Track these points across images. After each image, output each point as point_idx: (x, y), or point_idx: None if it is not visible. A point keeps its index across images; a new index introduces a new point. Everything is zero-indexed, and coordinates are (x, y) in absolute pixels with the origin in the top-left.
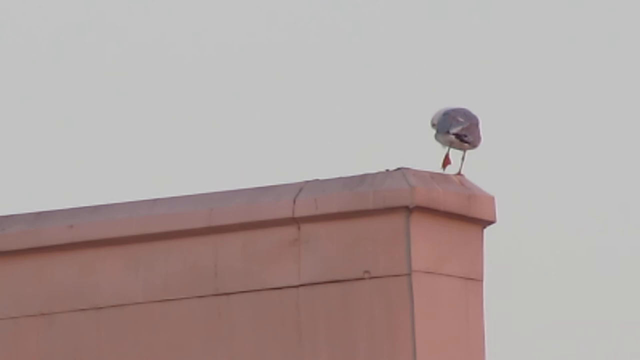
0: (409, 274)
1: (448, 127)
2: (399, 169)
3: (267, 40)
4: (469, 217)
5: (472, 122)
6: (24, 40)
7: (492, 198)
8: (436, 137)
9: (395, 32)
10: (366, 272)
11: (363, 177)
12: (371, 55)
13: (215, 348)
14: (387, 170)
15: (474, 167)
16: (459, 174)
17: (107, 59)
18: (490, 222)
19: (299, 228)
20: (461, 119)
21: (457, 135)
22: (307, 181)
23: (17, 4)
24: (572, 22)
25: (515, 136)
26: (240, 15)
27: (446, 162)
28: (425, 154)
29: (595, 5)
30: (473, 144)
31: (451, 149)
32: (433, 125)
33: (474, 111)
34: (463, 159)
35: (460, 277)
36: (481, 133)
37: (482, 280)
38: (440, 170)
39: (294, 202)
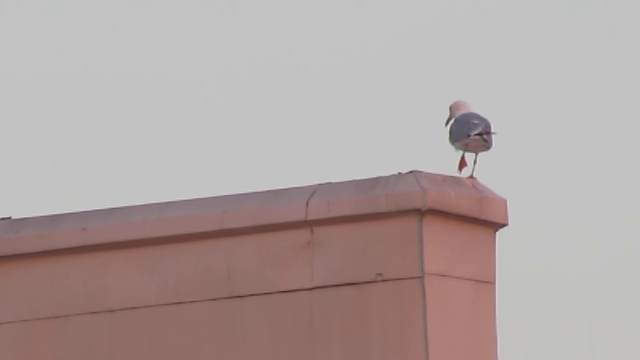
0: (422, 277)
1: (467, 131)
2: (411, 172)
3: (279, 42)
4: (481, 220)
5: (485, 123)
6: (26, 41)
7: (504, 201)
8: (452, 143)
9: (406, 35)
10: (379, 274)
11: (376, 180)
12: (384, 58)
13: (228, 351)
14: (400, 174)
15: (486, 170)
16: (471, 176)
17: (116, 61)
18: (503, 225)
19: (311, 231)
20: (476, 121)
21: (479, 134)
22: (320, 184)
23: (18, 4)
24: (585, 25)
25: (528, 139)
26: (251, 16)
27: (462, 164)
28: (438, 157)
29: (606, 5)
30: (489, 145)
31: (465, 152)
32: (450, 108)
33: (486, 113)
34: (475, 162)
35: (473, 280)
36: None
37: (494, 283)
38: (456, 173)
39: (307, 205)
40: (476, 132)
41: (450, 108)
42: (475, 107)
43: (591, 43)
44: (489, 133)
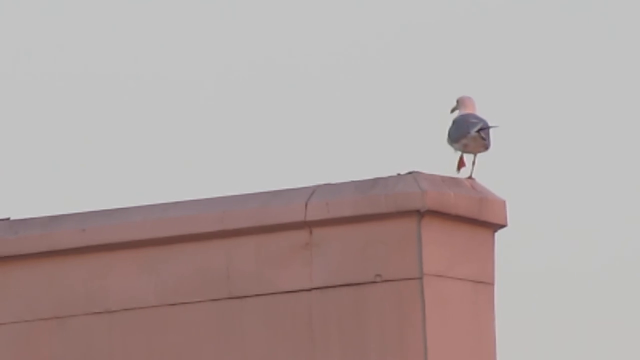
0: (421, 278)
1: (467, 129)
2: (410, 172)
3: (279, 42)
4: (480, 221)
5: (483, 123)
6: (26, 41)
7: (503, 202)
8: (451, 144)
9: (406, 35)
10: (378, 275)
11: (375, 181)
12: (384, 58)
13: (227, 351)
14: (399, 174)
15: (485, 170)
16: (470, 177)
17: (116, 61)
18: (502, 226)
19: (310, 232)
20: (474, 120)
21: (478, 131)
22: (319, 185)
23: (18, 4)
24: (585, 25)
25: (527, 140)
26: (251, 16)
27: (461, 164)
28: (437, 157)
29: (606, 5)
30: (488, 145)
31: (464, 153)
32: (457, 101)
33: (486, 114)
34: (474, 163)
35: (472, 281)
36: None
37: (493, 284)
38: (455, 173)
39: (306, 205)
40: (476, 129)
41: (457, 101)
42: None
43: (591, 43)
44: (488, 127)
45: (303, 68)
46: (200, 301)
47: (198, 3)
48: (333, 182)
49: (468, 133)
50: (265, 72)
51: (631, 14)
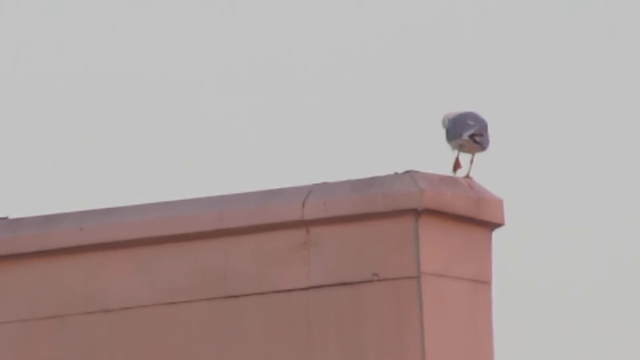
0: (418, 277)
1: (460, 131)
2: (407, 172)
3: (279, 42)
4: (478, 220)
5: (481, 125)
6: (26, 41)
7: (501, 201)
8: (447, 142)
9: (406, 35)
10: (375, 274)
11: (372, 180)
12: (383, 58)
13: (225, 351)
14: (396, 173)
15: (482, 169)
16: (467, 176)
17: (116, 61)
18: (499, 225)
19: (308, 231)
20: (471, 122)
21: (470, 136)
22: (316, 184)
23: (18, 4)
24: (585, 25)
25: (525, 139)
26: (251, 16)
27: (457, 166)
28: (434, 157)
29: (606, 5)
30: (483, 146)
31: (460, 153)
32: (444, 123)
33: (483, 114)
34: (472, 162)
35: (469, 280)
36: (490, 136)
37: (490, 283)
38: (451, 174)
39: (303, 205)
40: (469, 133)
41: (444, 122)
42: (473, 106)
43: (591, 43)
44: (482, 135)
45: (303, 68)
46: (197, 300)
47: (198, 3)
48: (330, 181)
49: (461, 136)
50: (265, 72)
51: (631, 14)
